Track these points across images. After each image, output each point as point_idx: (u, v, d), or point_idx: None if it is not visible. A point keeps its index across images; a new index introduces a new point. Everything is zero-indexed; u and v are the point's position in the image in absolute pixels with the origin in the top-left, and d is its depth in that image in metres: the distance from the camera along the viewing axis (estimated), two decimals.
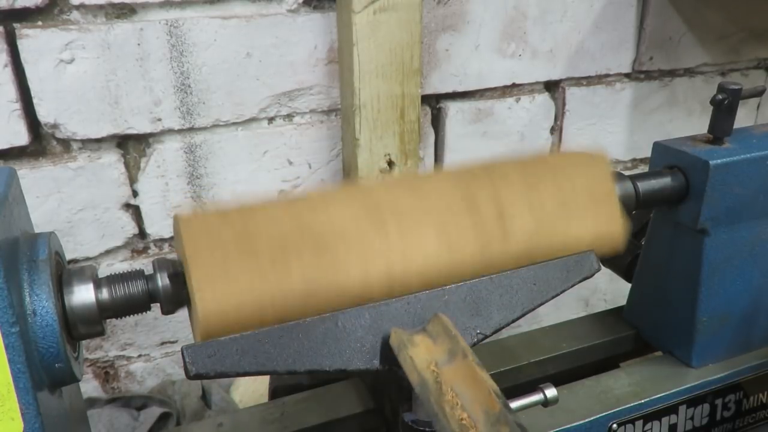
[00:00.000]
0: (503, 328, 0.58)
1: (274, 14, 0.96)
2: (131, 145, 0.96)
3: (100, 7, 0.87)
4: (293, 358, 0.51)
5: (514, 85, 1.17)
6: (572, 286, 0.61)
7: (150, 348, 1.08)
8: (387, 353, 0.53)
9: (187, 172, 1.00)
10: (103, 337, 0.96)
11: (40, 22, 0.85)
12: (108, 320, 0.54)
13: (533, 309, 0.59)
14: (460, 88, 1.12)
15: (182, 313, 0.55)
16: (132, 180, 0.97)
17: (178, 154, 0.98)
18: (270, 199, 0.56)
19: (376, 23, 0.92)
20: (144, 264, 1.02)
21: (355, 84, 0.94)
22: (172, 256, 0.56)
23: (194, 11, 0.92)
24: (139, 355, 1.08)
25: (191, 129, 0.98)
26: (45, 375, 0.49)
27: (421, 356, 0.48)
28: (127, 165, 0.96)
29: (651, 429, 0.76)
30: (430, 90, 1.10)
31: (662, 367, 0.80)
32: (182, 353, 0.49)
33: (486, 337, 0.57)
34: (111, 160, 0.95)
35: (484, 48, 1.11)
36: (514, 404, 0.60)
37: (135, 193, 0.98)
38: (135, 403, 1.03)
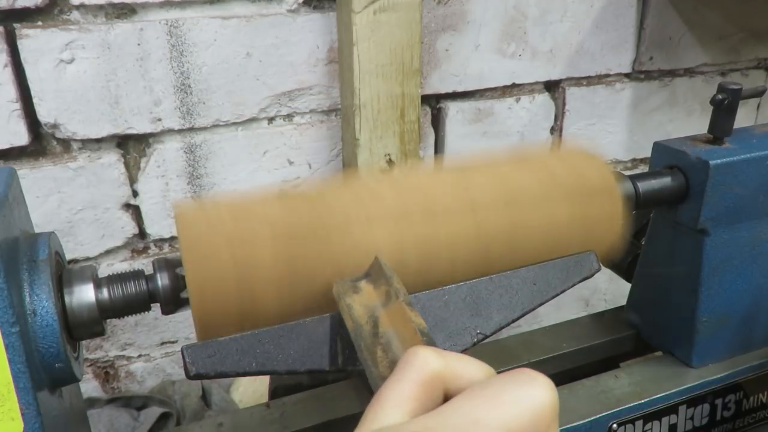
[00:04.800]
0: (503, 328, 0.58)
1: (274, 14, 0.96)
2: (131, 145, 0.96)
3: (100, 7, 0.87)
4: (293, 358, 0.51)
5: (514, 85, 1.17)
6: (572, 286, 0.61)
7: (150, 348, 1.08)
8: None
9: (187, 172, 1.00)
10: (103, 337, 0.96)
11: (40, 22, 0.85)
12: (108, 320, 0.54)
13: (533, 309, 0.59)
14: (460, 88, 1.12)
15: (182, 313, 0.55)
16: (132, 180, 0.97)
17: (178, 154, 0.98)
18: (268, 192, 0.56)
19: (376, 23, 0.92)
20: (144, 264, 1.02)
21: (355, 84, 0.94)
22: (172, 256, 0.56)
23: (194, 11, 0.92)
24: (139, 355, 1.08)
25: (191, 129, 0.98)
26: (45, 375, 0.49)
27: (363, 302, 0.46)
28: (127, 165, 0.96)
29: (651, 429, 0.76)
30: (430, 90, 1.10)
31: (662, 367, 0.80)
32: (182, 353, 0.49)
33: (486, 337, 0.57)
34: (111, 160, 0.95)
35: (484, 48, 1.11)
36: None
37: (135, 193, 0.98)
38: (135, 403, 1.02)
